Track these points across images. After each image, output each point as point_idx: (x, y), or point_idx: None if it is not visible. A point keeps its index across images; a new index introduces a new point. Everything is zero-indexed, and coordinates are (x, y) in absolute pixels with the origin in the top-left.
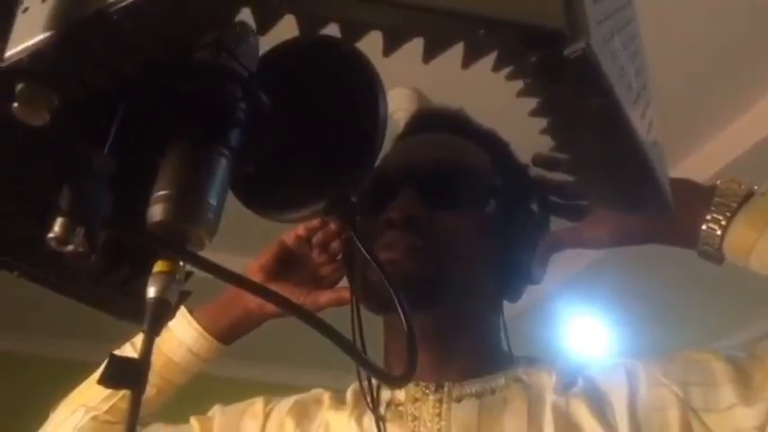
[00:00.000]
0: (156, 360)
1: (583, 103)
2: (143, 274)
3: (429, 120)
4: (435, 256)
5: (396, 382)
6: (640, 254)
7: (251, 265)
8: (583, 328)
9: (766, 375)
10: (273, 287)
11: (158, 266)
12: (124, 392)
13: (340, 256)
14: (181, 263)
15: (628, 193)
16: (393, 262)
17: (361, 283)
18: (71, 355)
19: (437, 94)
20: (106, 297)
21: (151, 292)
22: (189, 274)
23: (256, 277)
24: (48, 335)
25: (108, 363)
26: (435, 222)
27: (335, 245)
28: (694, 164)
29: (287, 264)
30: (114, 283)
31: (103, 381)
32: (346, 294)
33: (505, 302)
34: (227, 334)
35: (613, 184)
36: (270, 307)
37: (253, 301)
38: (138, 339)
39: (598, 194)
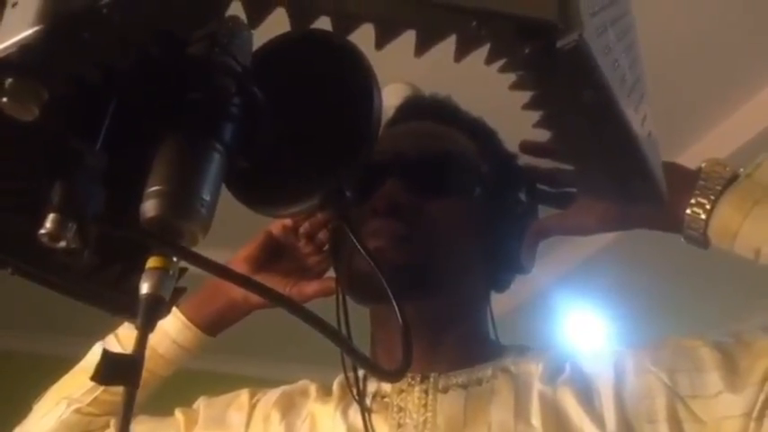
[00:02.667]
0: None
1: (576, 96)
2: (137, 270)
3: (416, 108)
4: (421, 244)
5: (390, 376)
6: (637, 248)
7: (236, 256)
8: (580, 322)
9: (752, 361)
10: (259, 278)
11: (151, 262)
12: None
13: (327, 247)
14: (174, 258)
15: (621, 185)
16: (378, 251)
17: (349, 273)
18: (49, 350)
19: (433, 90)
20: (100, 293)
21: (144, 288)
22: (183, 270)
23: (241, 268)
24: (26, 330)
25: (102, 359)
26: (421, 210)
27: (322, 235)
28: (698, 153)
29: (273, 254)
30: (108, 279)
31: (98, 377)
32: (333, 285)
33: (502, 297)
34: (212, 325)
35: (606, 176)
36: (255, 298)
37: (238, 292)
38: (122, 331)
39: (591, 186)
